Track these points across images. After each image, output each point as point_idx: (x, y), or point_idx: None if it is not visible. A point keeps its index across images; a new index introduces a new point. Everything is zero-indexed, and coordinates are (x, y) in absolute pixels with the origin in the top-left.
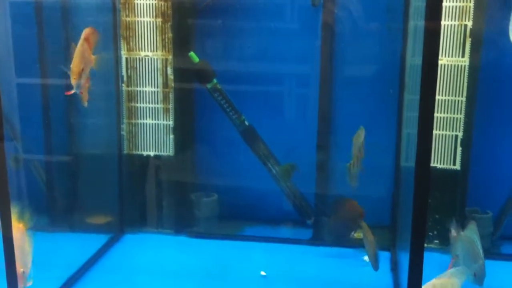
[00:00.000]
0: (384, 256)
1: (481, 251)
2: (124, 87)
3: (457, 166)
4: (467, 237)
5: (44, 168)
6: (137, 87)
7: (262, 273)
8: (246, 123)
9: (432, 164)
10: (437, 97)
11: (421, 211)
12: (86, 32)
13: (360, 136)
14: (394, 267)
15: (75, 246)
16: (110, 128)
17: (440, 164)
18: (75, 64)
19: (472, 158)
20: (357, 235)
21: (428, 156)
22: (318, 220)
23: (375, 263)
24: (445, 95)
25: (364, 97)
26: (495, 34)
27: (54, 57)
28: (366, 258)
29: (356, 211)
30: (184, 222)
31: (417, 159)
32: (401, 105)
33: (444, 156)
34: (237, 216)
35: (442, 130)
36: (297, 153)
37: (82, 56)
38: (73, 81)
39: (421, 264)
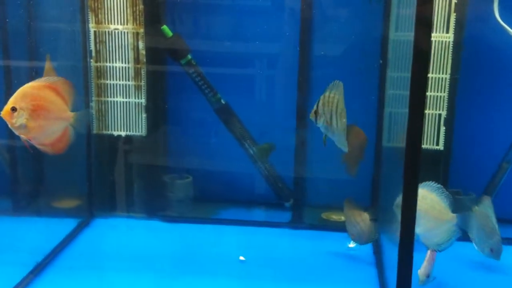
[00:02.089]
0: None
1: (496, 226)
2: (92, 63)
3: (440, 146)
4: (482, 212)
5: (6, 149)
6: (106, 62)
7: (241, 258)
8: (222, 101)
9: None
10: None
11: (411, 193)
12: (54, 81)
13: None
14: (377, 250)
15: (42, 232)
16: (78, 106)
17: (423, 144)
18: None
19: (455, 138)
20: (337, 217)
21: (419, 137)
22: (297, 202)
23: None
24: (429, 73)
25: (343, 74)
26: (480, 9)
27: (15, 37)
28: (351, 244)
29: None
30: (156, 206)
31: (407, 141)
32: (382, 82)
33: (427, 136)
34: (212, 199)
35: (426, 109)
36: (275, 133)
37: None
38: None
39: (411, 248)
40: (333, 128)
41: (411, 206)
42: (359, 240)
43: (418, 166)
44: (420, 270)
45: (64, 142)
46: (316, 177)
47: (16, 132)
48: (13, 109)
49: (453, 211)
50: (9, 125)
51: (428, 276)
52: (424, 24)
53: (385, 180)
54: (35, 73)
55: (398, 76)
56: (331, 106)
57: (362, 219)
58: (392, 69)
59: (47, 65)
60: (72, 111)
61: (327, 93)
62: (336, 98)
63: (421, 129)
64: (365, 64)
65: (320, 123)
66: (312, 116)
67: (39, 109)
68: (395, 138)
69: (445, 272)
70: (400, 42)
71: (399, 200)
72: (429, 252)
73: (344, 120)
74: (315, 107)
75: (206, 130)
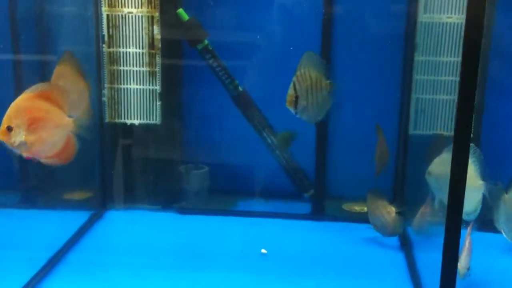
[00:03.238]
0: None
1: None
2: (105, 48)
3: None
4: (510, 200)
5: None
6: (119, 48)
7: (263, 251)
8: (240, 88)
9: (439, 131)
10: (448, 58)
11: (459, 185)
12: (45, 89)
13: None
14: (405, 242)
15: (53, 225)
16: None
17: (444, 131)
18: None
19: (483, 127)
20: (359, 208)
21: (469, 128)
22: (317, 193)
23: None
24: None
25: (364, 58)
26: None
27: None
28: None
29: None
30: (172, 197)
31: (456, 132)
32: (407, 67)
33: (450, 123)
34: (229, 190)
35: (445, 95)
36: (295, 121)
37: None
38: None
39: (457, 240)
40: (309, 105)
41: (458, 204)
42: (383, 232)
43: (467, 157)
44: (460, 263)
45: (69, 150)
46: (337, 167)
47: (18, 151)
48: (9, 129)
49: (483, 179)
50: (9, 146)
51: (468, 268)
52: (477, 4)
53: (412, 169)
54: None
55: (431, 61)
56: (308, 83)
57: (388, 211)
58: (422, 53)
59: (66, 66)
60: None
61: (302, 70)
62: (314, 73)
63: (471, 118)
64: (388, 48)
65: (301, 107)
66: (290, 103)
67: (36, 122)
68: (425, 125)
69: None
70: (432, 24)
71: (431, 167)
72: (466, 243)
73: (328, 97)
74: (291, 91)
75: (224, 119)
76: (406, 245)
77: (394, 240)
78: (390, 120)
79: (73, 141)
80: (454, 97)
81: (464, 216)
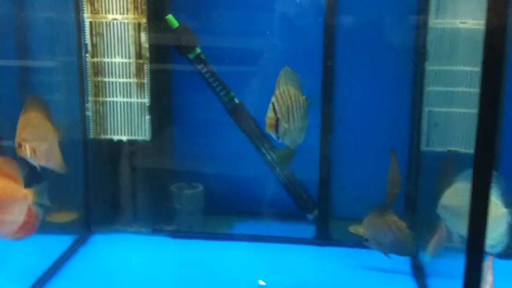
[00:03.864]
0: (402, 260)
1: None
2: (88, 58)
3: None
4: None
5: None
6: (104, 57)
7: (261, 282)
8: (236, 100)
9: (453, 148)
10: (463, 67)
11: (480, 218)
12: None
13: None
14: (417, 273)
15: (34, 250)
16: (72, 108)
17: (465, 148)
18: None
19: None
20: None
21: (492, 152)
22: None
23: None
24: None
25: (371, 69)
26: None
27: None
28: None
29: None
30: (163, 219)
31: (478, 148)
32: (418, 77)
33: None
34: (226, 211)
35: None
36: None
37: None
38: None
39: (479, 279)
40: (291, 127)
41: (480, 239)
42: (393, 251)
43: (489, 185)
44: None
45: (32, 222)
46: (343, 185)
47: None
48: None
49: (506, 206)
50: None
51: None
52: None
53: (425, 189)
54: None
55: (444, 70)
56: (288, 103)
57: (398, 227)
58: (434, 62)
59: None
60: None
61: (280, 89)
62: (292, 90)
63: (494, 139)
64: (397, 56)
65: (282, 131)
66: (270, 127)
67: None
68: (439, 141)
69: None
70: (445, 31)
71: (444, 200)
72: (488, 277)
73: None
74: (270, 113)
75: (218, 133)
76: (419, 275)
77: (407, 269)
78: (400, 135)
79: (34, 212)
80: (470, 110)
81: (488, 249)
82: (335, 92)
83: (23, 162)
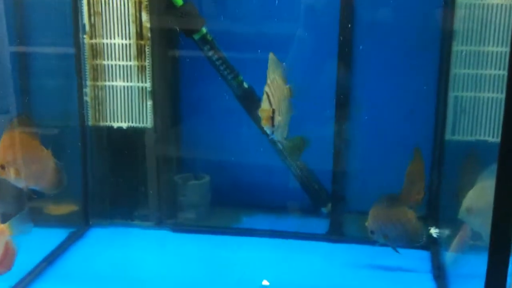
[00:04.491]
0: (421, 257)
1: None
2: (86, 40)
3: None
4: None
5: None
6: (103, 39)
7: (265, 282)
8: (245, 85)
9: (482, 138)
10: (493, 48)
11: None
12: None
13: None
14: (438, 273)
15: (28, 243)
16: (69, 93)
17: (494, 137)
18: None
19: None
20: None
21: None
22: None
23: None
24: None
25: (392, 49)
26: None
27: None
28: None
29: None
30: (166, 212)
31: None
32: (444, 59)
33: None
34: (234, 204)
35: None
36: (309, 124)
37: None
38: None
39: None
40: (282, 120)
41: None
42: (401, 243)
43: None
44: None
45: (10, 257)
46: (359, 177)
47: None
48: None
49: None
50: None
51: None
52: None
53: (449, 182)
54: None
55: (473, 51)
56: (279, 93)
57: (408, 219)
58: (462, 42)
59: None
60: None
61: (271, 77)
62: (279, 80)
63: None
64: (421, 36)
65: (277, 124)
66: (268, 121)
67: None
68: (466, 129)
69: None
70: (474, 7)
71: (468, 203)
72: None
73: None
74: (266, 105)
75: (226, 120)
76: (440, 274)
77: (427, 268)
78: (423, 123)
79: (12, 246)
80: (501, 95)
81: None
82: (353, 77)
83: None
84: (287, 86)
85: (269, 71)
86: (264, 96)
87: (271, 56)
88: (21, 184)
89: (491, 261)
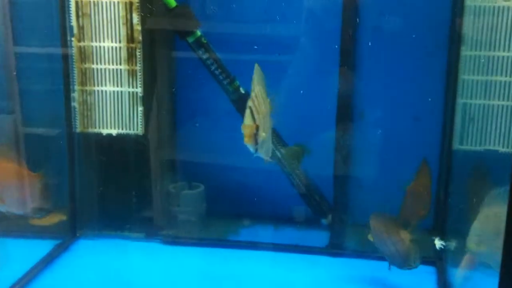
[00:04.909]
0: (427, 273)
1: None
2: (74, 43)
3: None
4: None
5: None
6: (91, 42)
7: None
8: (242, 90)
9: (491, 147)
10: (504, 53)
11: None
12: None
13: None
14: None
15: (12, 255)
16: (56, 98)
17: (505, 147)
18: None
19: None
20: None
21: None
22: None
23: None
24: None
25: (397, 54)
26: None
27: None
28: None
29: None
30: (158, 223)
31: None
32: (452, 64)
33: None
34: (229, 214)
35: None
36: (309, 131)
37: None
38: None
39: None
40: (266, 136)
41: None
42: (394, 263)
43: None
44: None
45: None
46: (361, 187)
47: None
48: None
49: None
50: None
51: None
52: None
53: (457, 193)
54: None
55: (482, 56)
56: (263, 107)
57: (401, 238)
58: (471, 46)
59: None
60: None
61: (256, 90)
62: (264, 94)
63: None
64: (428, 40)
65: (261, 141)
66: (250, 138)
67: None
68: (474, 138)
69: None
70: (484, 10)
71: (475, 237)
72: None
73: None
74: (249, 120)
75: (222, 127)
76: None
77: (432, 285)
78: (430, 131)
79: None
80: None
81: None
82: (356, 80)
83: None
84: (268, 100)
85: (253, 84)
86: (247, 111)
87: (256, 68)
88: (3, 209)
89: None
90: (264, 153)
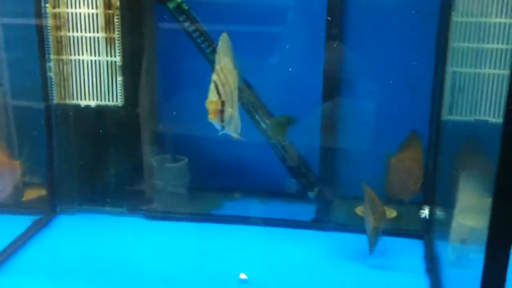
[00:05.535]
0: (414, 247)
1: None
2: (49, 9)
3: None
4: None
5: None
6: (67, 8)
7: (242, 276)
8: None
9: (482, 117)
10: (496, 19)
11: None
12: None
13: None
14: (432, 266)
15: None
16: (31, 68)
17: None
18: None
19: None
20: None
21: None
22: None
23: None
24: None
25: (385, 21)
26: None
27: None
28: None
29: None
30: (140, 198)
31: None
32: (442, 31)
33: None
34: (214, 188)
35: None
36: (296, 103)
37: None
38: None
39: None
40: (233, 112)
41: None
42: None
43: None
44: None
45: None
46: (349, 160)
47: None
48: None
49: None
50: None
51: None
52: None
53: (445, 165)
54: None
55: (473, 23)
56: (230, 81)
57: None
58: (461, 12)
59: None
60: None
61: (221, 63)
62: (230, 65)
63: None
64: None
65: (228, 118)
66: (215, 114)
67: None
68: (464, 108)
69: None
70: None
71: (461, 233)
72: None
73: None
74: (213, 95)
75: (206, 98)
76: (433, 270)
77: (420, 264)
78: (419, 101)
79: None
80: (503, 71)
81: None
82: (343, 49)
83: None
84: (236, 71)
85: (219, 55)
86: (211, 86)
87: (223, 37)
88: None
89: (489, 253)
90: (233, 129)
